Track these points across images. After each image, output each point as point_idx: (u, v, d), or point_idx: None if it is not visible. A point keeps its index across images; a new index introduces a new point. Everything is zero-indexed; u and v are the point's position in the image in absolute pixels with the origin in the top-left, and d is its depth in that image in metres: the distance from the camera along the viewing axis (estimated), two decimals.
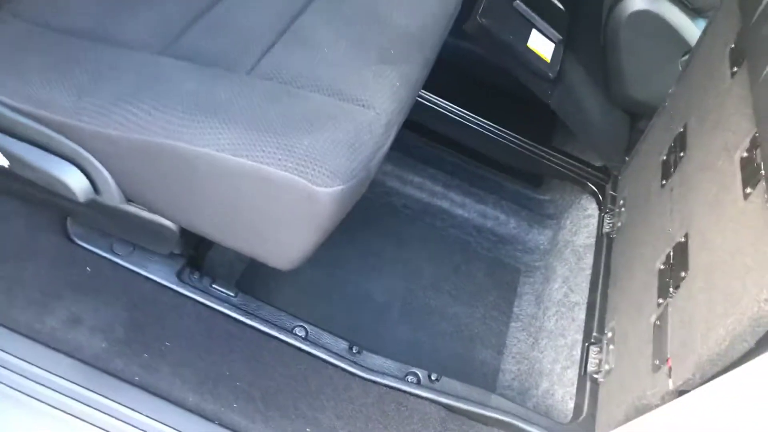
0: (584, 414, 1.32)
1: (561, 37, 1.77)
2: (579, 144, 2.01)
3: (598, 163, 1.87)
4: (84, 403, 1.05)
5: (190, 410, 1.09)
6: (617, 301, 1.43)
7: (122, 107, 0.86)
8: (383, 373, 1.22)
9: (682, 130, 1.39)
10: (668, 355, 1.05)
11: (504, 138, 1.84)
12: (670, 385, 1.02)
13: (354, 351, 1.24)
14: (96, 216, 1.09)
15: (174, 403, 1.08)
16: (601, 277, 1.57)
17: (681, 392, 1.01)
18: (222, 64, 0.95)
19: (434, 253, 1.90)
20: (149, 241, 1.16)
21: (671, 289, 1.14)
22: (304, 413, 1.13)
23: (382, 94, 0.93)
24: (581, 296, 1.61)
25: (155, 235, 1.10)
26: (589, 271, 1.64)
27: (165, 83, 0.88)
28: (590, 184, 1.82)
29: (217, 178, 0.85)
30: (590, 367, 1.39)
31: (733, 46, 1.24)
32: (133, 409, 1.06)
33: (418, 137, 2.02)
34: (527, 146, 1.84)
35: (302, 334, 1.23)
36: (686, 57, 1.71)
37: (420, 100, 1.83)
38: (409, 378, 1.25)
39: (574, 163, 1.84)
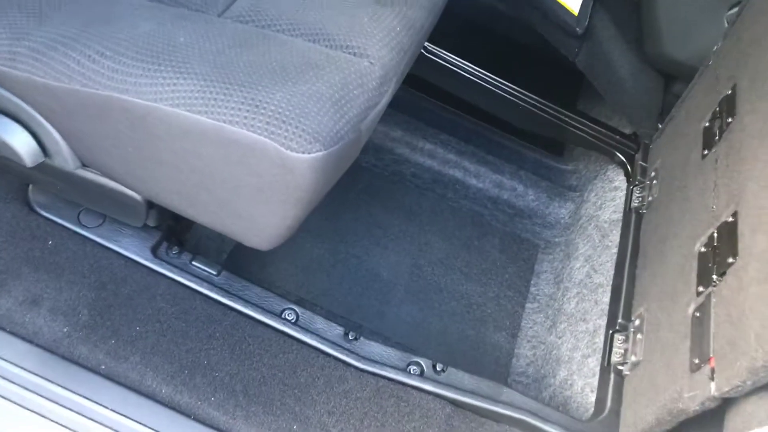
0: (607, 410, 1.18)
1: None
2: (606, 108, 1.83)
3: (627, 130, 1.70)
4: (41, 395, 0.93)
5: (163, 404, 0.97)
6: (647, 285, 1.28)
7: (62, 52, 0.71)
8: (382, 364, 1.09)
9: (729, 92, 1.22)
10: (711, 354, 0.91)
11: (523, 100, 1.67)
12: (713, 389, 0.88)
13: (350, 337, 1.11)
14: (56, 183, 0.96)
15: (144, 396, 0.96)
16: (628, 257, 1.42)
17: (726, 399, 0.87)
18: (191, 4, 0.80)
19: (445, 226, 1.76)
20: (119, 212, 1.03)
21: (715, 277, 0.98)
22: (291, 408, 1.00)
23: (379, 41, 0.78)
24: (605, 277, 1.46)
25: (123, 206, 0.96)
26: (614, 250, 1.49)
27: (116, 24, 0.73)
28: (618, 154, 1.65)
29: (173, 139, 0.71)
30: (614, 358, 1.25)
31: None
32: (97, 403, 0.94)
33: (428, 99, 1.86)
34: (549, 110, 1.67)
35: (292, 318, 1.10)
36: (734, 10, 1.52)
37: (432, 57, 1.67)
38: (412, 369, 1.12)
39: (600, 129, 1.67)
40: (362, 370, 1.07)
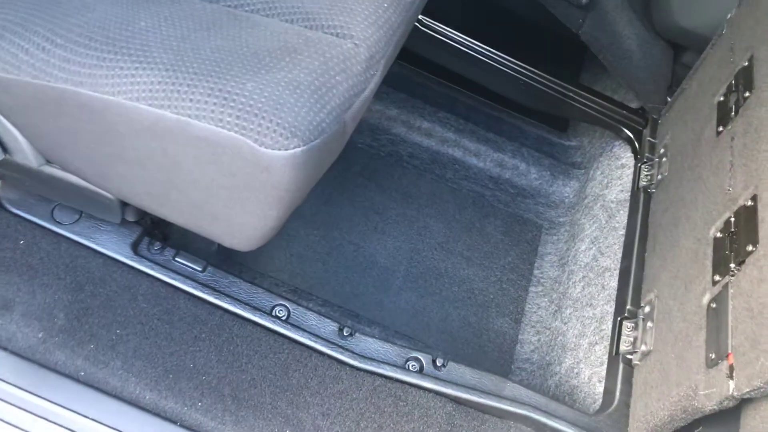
0: (615, 403, 1.13)
1: None
2: (612, 82, 1.75)
3: (634, 105, 1.62)
4: (16, 405, 0.87)
5: (147, 410, 0.92)
6: (657, 270, 1.22)
7: (8, 40, 0.64)
8: (379, 361, 1.03)
9: (746, 64, 1.14)
10: (729, 350, 0.85)
11: (525, 75, 1.59)
12: (731, 388, 0.82)
13: (345, 334, 1.05)
14: (23, 180, 0.89)
15: (127, 403, 0.91)
16: (636, 239, 1.35)
17: (745, 400, 0.81)
18: None
19: (444, 209, 1.69)
20: (94, 209, 0.96)
21: (733, 266, 0.92)
22: (282, 411, 0.95)
23: (364, 19, 0.70)
24: (613, 260, 1.40)
25: (96, 203, 0.90)
26: (622, 232, 1.42)
27: (68, 5, 0.66)
28: (625, 129, 1.58)
29: (135, 135, 0.64)
30: (623, 346, 1.20)
31: None
32: (76, 412, 0.89)
33: (425, 75, 1.78)
34: (551, 85, 1.59)
35: (283, 315, 1.04)
36: None
37: (427, 31, 1.58)
38: (410, 365, 1.06)
39: (605, 104, 1.60)
40: (358, 369, 1.02)
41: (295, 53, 0.64)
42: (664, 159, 1.42)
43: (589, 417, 1.12)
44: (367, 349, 1.05)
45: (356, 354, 1.03)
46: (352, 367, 1.02)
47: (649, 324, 1.15)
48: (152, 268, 1.00)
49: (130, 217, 0.99)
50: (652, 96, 1.55)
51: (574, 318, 1.42)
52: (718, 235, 1.00)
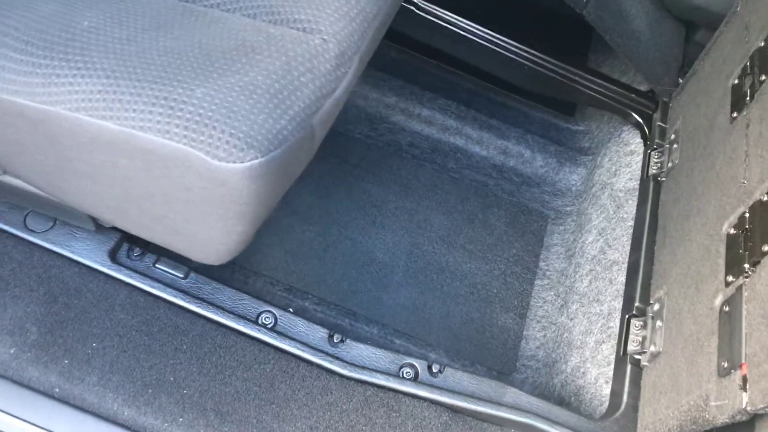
0: (623, 407, 1.07)
1: None
2: (620, 63, 1.67)
3: (643, 87, 1.54)
4: None
5: (126, 427, 0.87)
6: (667, 265, 1.15)
7: None
8: (371, 369, 0.98)
9: (762, 44, 1.05)
10: (742, 359, 0.78)
11: (527, 59, 1.51)
12: (744, 401, 0.76)
13: (335, 340, 1.00)
14: None
15: (105, 419, 0.87)
16: (645, 230, 1.28)
17: (759, 415, 0.75)
18: None
19: (445, 200, 1.63)
20: (65, 215, 0.91)
21: (747, 266, 0.85)
22: (268, 425, 0.90)
23: (335, 10, 0.63)
24: (621, 254, 1.33)
25: (65, 211, 0.85)
26: (630, 223, 1.35)
27: (8, 5, 0.60)
28: (633, 114, 1.50)
29: (81, 148, 0.58)
30: (631, 346, 1.13)
31: None
32: (51, 431, 0.85)
33: (424, 59, 1.70)
34: (556, 69, 1.51)
35: (270, 322, 0.99)
36: None
37: (423, 14, 1.50)
38: (405, 372, 1.01)
39: (612, 87, 1.51)
40: (348, 378, 0.97)
41: (254, 53, 0.58)
42: (675, 145, 1.34)
43: (594, 423, 1.06)
44: (359, 357, 1.00)
45: (347, 362, 0.98)
46: (341, 376, 0.97)
47: (659, 323, 1.09)
48: (130, 276, 0.95)
49: (106, 223, 0.94)
50: (662, 78, 1.47)
51: (581, 314, 1.36)
52: (732, 231, 0.93)
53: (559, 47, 1.55)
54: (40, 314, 0.90)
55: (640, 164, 1.44)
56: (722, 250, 0.94)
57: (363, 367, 0.98)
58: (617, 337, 1.19)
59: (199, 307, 0.97)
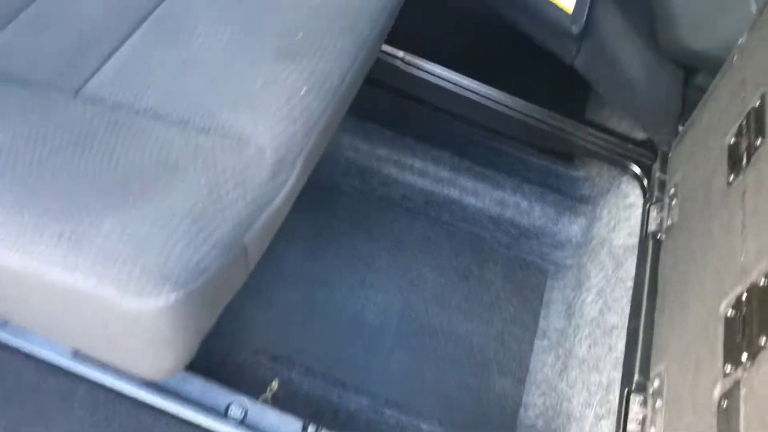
0: None
1: None
2: (617, 110, 1.61)
3: (642, 136, 1.47)
4: None
5: None
6: (667, 336, 1.08)
7: None
8: None
9: (758, 103, 0.99)
10: None
11: (521, 112, 1.46)
12: None
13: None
14: None
15: None
16: (645, 294, 1.21)
17: None
18: (41, 79, 0.62)
19: (439, 254, 1.57)
20: None
21: (744, 358, 0.78)
22: None
23: (275, 112, 0.59)
24: (620, 317, 1.26)
25: None
26: (630, 283, 1.28)
27: None
28: (632, 165, 1.44)
29: None
30: (631, 425, 1.06)
31: None
32: None
33: (415, 107, 1.66)
34: (550, 120, 1.46)
35: (239, 415, 0.93)
36: None
37: (413, 69, 1.46)
38: None
39: (609, 138, 1.45)
40: None
41: (176, 171, 0.54)
42: (674, 201, 1.27)
43: None
44: None
45: None
46: None
47: (659, 402, 1.02)
48: (91, 369, 0.91)
49: None
50: (660, 127, 1.41)
51: (580, 382, 1.29)
52: (730, 312, 0.86)
53: (555, 97, 1.50)
54: None
55: (639, 218, 1.38)
56: (720, 331, 0.87)
57: None
58: (617, 413, 1.11)
59: (164, 400, 0.91)
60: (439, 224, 1.62)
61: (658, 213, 1.31)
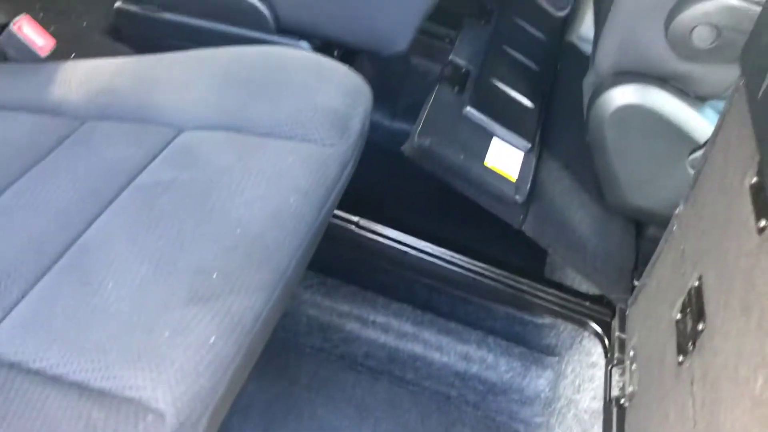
0: None
1: (530, 144, 1.41)
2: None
3: (599, 292, 1.47)
4: None
5: None
6: None
7: None
8: None
9: (697, 284, 0.99)
10: None
11: (480, 274, 1.46)
12: None
13: None
14: None
15: None
16: None
17: None
18: None
19: (405, 420, 1.51)
20: None
21: None
22: None
23: (176, 371, 0.57)
24: None
25: None
26: None
27: None
28: (591, 323, 1.42)
29: None
30: None
31: (755, 180, 0.85)
32: None
33: (373, 261, 1.66)
34: (508, 281, 1.46)
35: None
36: (697, 154, 1.33)
37: (364, 232, 1.48)
38: None
39: (567, 297, 1.45)
40: None
41: None
42: (633, 366, 1.25)
43: None
44: None
45: None
46: None
47: None
48: None
49: None
50: (614, 285, 1.41)
51: None
52: None
53: (513, 257, 1.51)
54: None
55: (602, 379, 1.34)
56: None
57: None
58: None
59: None
60: (403, 384, 1.57)
61: (620, 377, 1.28)
